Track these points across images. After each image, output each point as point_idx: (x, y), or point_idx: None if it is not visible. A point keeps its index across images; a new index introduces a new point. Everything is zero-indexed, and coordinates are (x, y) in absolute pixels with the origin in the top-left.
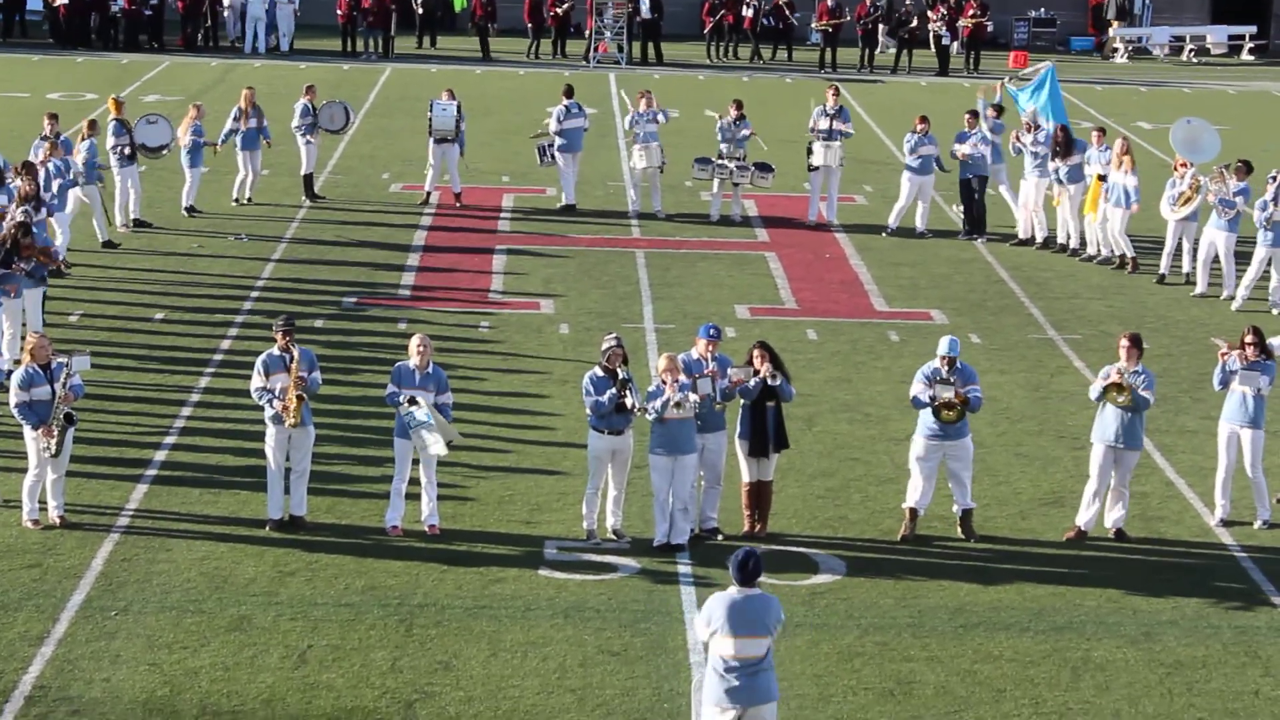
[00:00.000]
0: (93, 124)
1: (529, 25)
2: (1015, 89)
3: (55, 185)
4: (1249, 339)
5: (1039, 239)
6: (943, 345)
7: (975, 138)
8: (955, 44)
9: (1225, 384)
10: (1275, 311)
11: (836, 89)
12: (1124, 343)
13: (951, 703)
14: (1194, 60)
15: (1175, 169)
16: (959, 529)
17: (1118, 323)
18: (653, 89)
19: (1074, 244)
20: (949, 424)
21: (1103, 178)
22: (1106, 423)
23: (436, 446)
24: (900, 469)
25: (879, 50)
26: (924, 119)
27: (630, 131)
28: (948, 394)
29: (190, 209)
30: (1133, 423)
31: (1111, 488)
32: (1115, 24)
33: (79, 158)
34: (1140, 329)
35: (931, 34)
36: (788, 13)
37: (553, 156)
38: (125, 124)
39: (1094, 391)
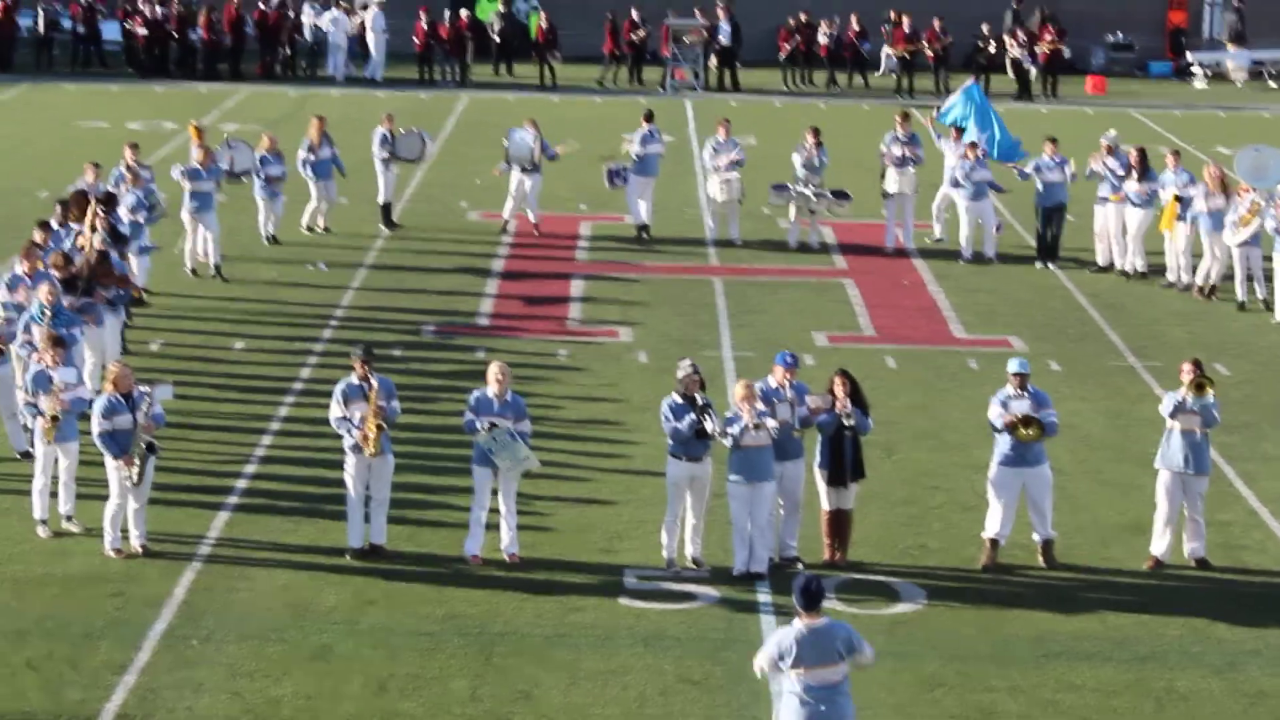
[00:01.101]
0: (208, 152)
1: (607, 54)
2: (942, 114)
3: (139, 217)
4: None
5: (1118, 266)
6: (1012, 364)
7: (1053, 164)
8: (1034, 69)
9: None
10: None
11: (907, 115)
12: (1186, 367)
13: None
14: (1274, 85)
15: (1239, 194)
16: (1040, 558)
17: (1199, 349)
18: (729, 116)
19: (1140, 268)
20: (1027, 443)
21: (1179, 199)
22: (1173, 449)
23: (520, 467)
24: (980, 497)
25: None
26: (974, 145)
27: (712, 165)
28: (1023, 407)
29: (272, 238)
30: (1200, 447)
31: (1186, 517)
32: (1232, 47)
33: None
34: (1222, 355)
35: (1009, 60)
36: (855, 40)
37: (625, 179)
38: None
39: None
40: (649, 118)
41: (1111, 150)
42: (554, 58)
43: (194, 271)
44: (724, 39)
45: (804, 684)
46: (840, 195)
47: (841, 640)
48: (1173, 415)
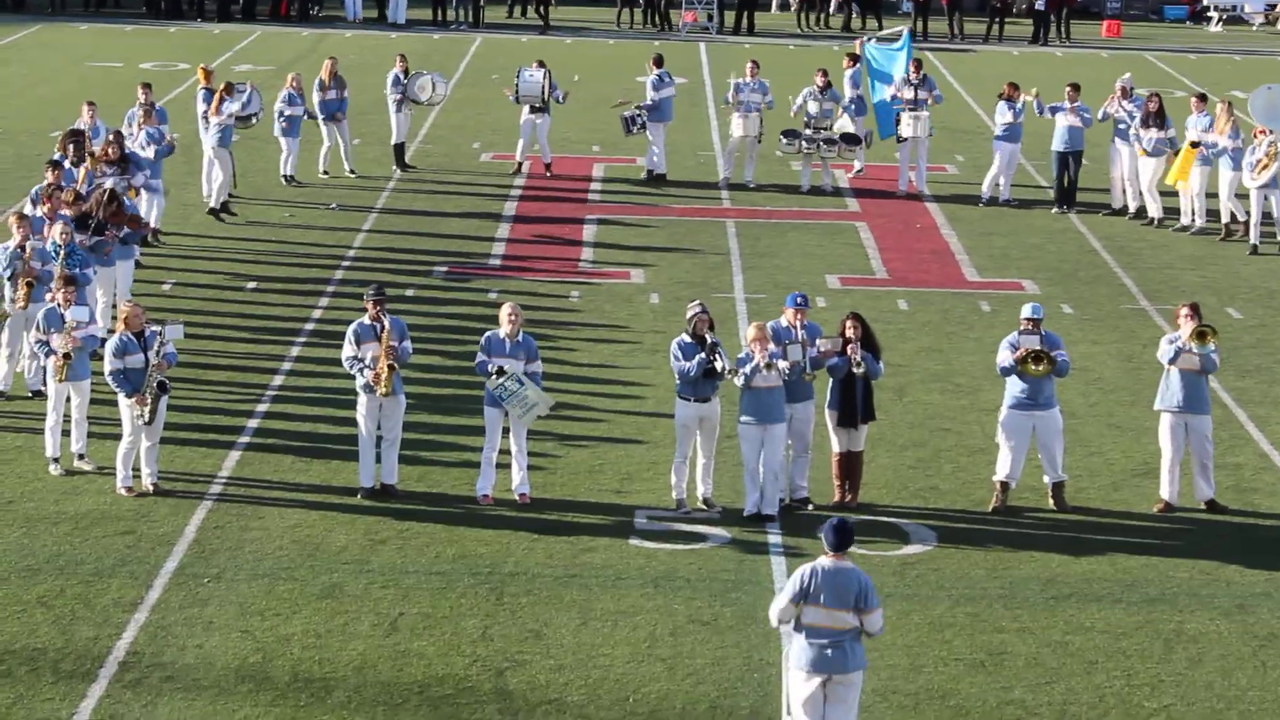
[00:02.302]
0: (229, 86)
1: None
2: (875, 48)
3: (150, 152)
4: None
5: (1132, 209)
6: (1026, 309)
7: (1075, 111)
8: (1057, 12)
9: None
10: None
11: (919, 61)
12: (1184, 311)
13: (1043, 674)
14: None
15: (1254, 136)
16: (1050, 500)
17: (1211, 293)
18: (744, 59)
19: (1155, 213)
20: (1038, 386)
21: (1195, 144)
22: (1172, 390)
23: (532, 412)
24: (991, 440)
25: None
26: (1015, 86)
27: (734, 100)
28: (1034, 342)
29: (289, 178)
30: (1199, 386)
31: (1194, 460)
32: None
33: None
34: (1234, 299)
35: (1025, 2)
36: None
37: (643, 125)
38: (214, 91)
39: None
40: (659, 62)
41: (1127, 93)
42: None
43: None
44: None
45: (815, 626)
46: (850, 139)
47: (859, 588)
48: (1172, 361)
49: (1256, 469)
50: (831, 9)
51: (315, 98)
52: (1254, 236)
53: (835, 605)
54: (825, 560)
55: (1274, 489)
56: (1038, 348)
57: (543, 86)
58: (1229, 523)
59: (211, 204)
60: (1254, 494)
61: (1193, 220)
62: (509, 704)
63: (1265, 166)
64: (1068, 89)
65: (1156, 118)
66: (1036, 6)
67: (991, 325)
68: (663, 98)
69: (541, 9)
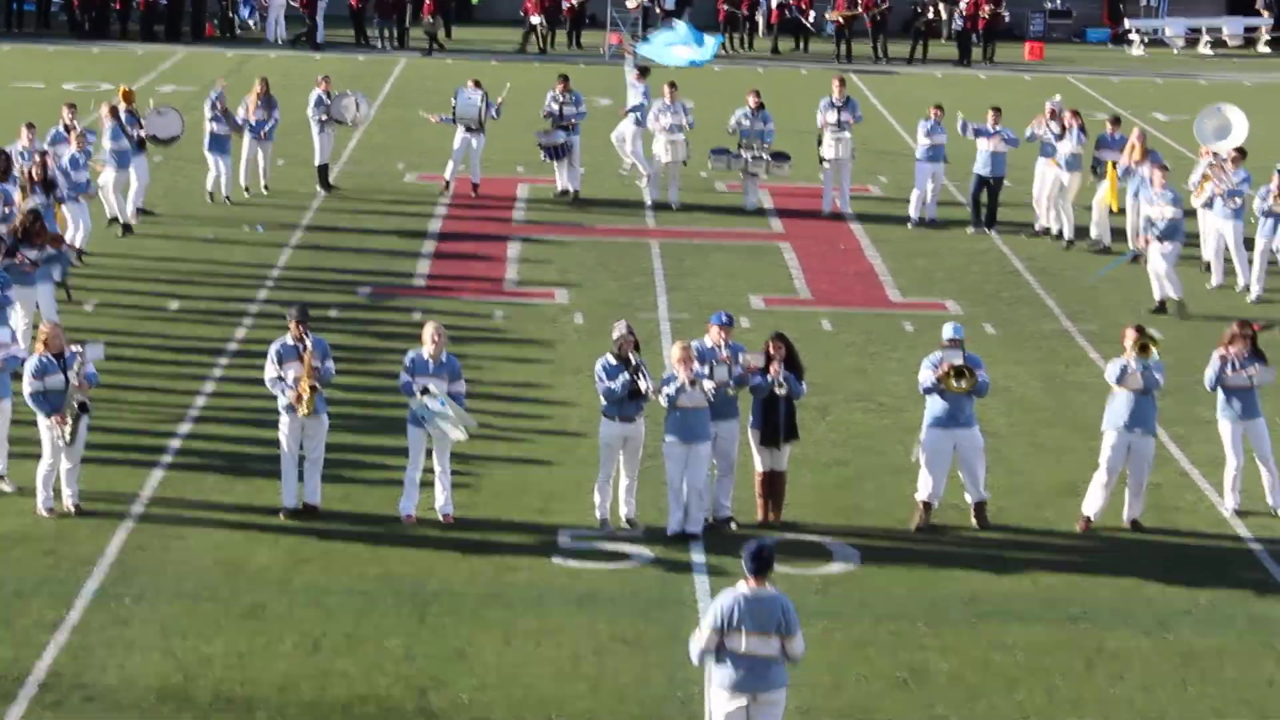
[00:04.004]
0: (114, 110)
1: (528, 16)
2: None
3: (80, 177)
4: (1241, 333)
5: (1053, 231)
6: (947, 330)
7: (998, 135)
8: (975, 36)
9: (1220, 384)
10: None
11: (843, 80)
12: (1130, 332)
13: (965, 692)
14: (1210, 52)
15: (1200, 156)
16: (973, 519)
17: (1132, 313)
18: (673, 81)
19: (1068, 234)
20: (959, 405)
21: (1114, 165)
22: (1119, 411)
23: (455, 433)
24: (913, 459)
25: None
26: (939, 108)
27: (657, 124)
28: (956, 358)
29: (214, 195)
30: (1146, 408)
31: (1130, 479)
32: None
33: (105, 141)
34: (1155, 320)
35: (948, 25)
36: (805, 5)
37: (563, 151)
38: (136, 115)
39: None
40: (565, 82)
41: (1055, 114)
42: (437, 24)
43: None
44: (668, 4)
45: (739, 649)
46: (780, 157)
47: (781, 614)
48: (1119, 381)
49: (1177, 488)
50: (760, 32)
51: (240, 115)
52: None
53: (757, 631)
54: (745, 588)
55: (1195, 508)
56: (959, 362)
57: (479, 107)
58: (1150, 541)
59: (125, 218)
60: (1175, 513)
61: (1100, 236)
62: None
63: (1202, 188)
64: (991, 112)
65: (1075, 133)
66: (954, 28)
67: (915, 345)
68: (577, 116)
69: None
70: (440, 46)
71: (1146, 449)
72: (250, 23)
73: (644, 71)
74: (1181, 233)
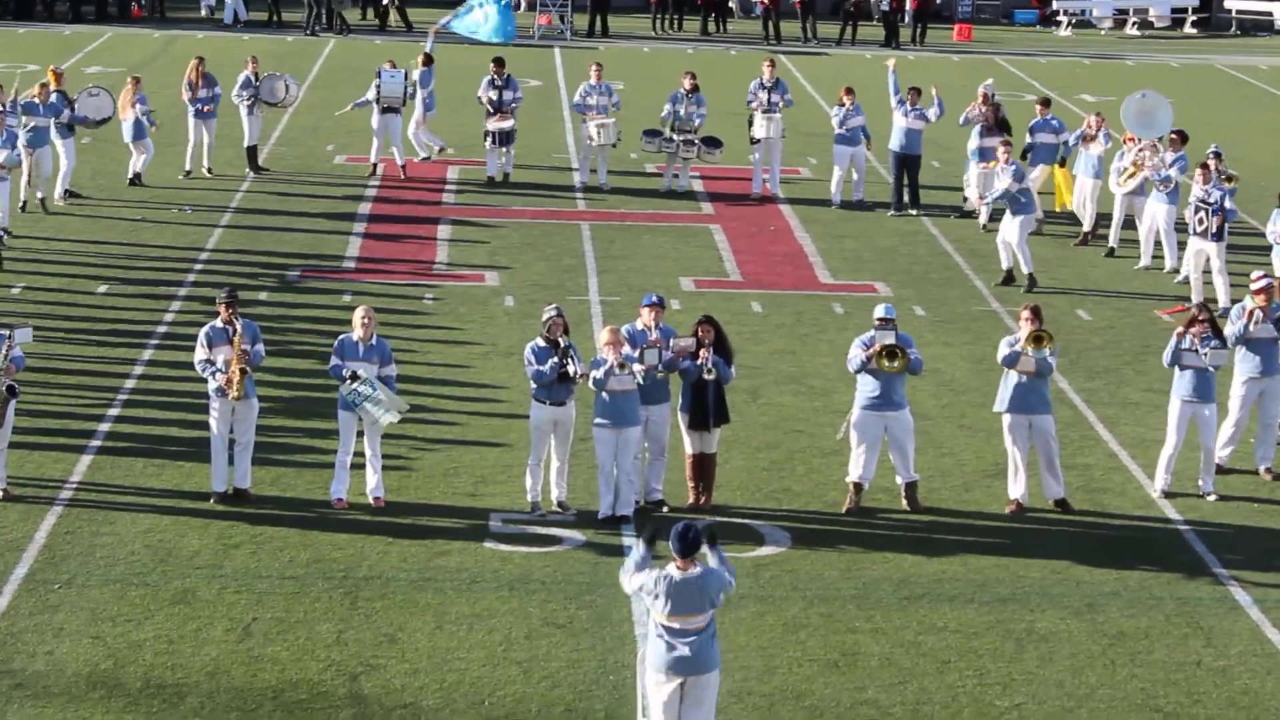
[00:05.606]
0: (44, 87)
1: None
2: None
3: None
4: (1201, 317)
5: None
6: (879, 310)
7: (914, 114)
8: (902, 16)
9: (1176, 362)
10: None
11: (773, 61)
12: (1025, 314)
13: (896, 674)
14: (1137, 33)
15: (1124, 142)
16: (904, 501)
17: (1062, 295)
18: (600, 62)
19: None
20: (890, 386)
21: (1063, 163)
22: (1011, 393)
23: (386, 417)
24: (844, 441)
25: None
26: (849, 91)
27: (585, 106)
28: (888, 338)
29: (136, 178)
30: (1037, 387)
31: (1040, 458)
32: None
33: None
34: (1084, 302)
35: (877, 7)
36: None
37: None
38: (65, 95)
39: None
40: (500, 65)
41: (988, 99)
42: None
43: (23, 207)
44: None
45: (670, 627)
46: (711, 143)
47: (714, 589)
48: (1011, 364)
49: (1106, 469)
50: (686, 11)
51: (185, 96)
52: (1114, 239)
53: (687, 611)
54: (674, 570)
55: (1123, 489)
56: (891, 342)
57: (404, 85)
58: (1079, 522)
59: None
60: (1103, 494)
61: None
62: (363, 709)
63: (1132, 175)
64: (910, 91)
65: (995, 123)
66: (882, 7)
67: (845, 327)
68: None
69: (400, 12)
70: (347, 27)
71: (1046, 426)
72: (207, 6)
73: (429, 59)
74: (1033, 205)
